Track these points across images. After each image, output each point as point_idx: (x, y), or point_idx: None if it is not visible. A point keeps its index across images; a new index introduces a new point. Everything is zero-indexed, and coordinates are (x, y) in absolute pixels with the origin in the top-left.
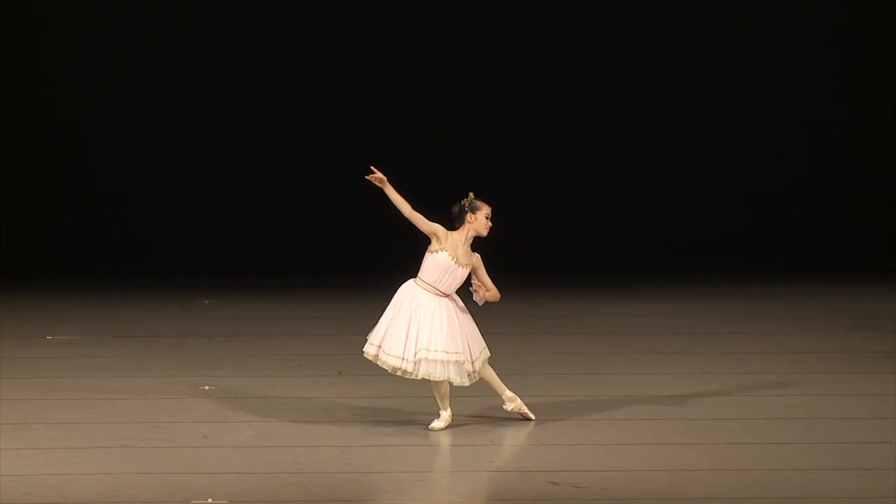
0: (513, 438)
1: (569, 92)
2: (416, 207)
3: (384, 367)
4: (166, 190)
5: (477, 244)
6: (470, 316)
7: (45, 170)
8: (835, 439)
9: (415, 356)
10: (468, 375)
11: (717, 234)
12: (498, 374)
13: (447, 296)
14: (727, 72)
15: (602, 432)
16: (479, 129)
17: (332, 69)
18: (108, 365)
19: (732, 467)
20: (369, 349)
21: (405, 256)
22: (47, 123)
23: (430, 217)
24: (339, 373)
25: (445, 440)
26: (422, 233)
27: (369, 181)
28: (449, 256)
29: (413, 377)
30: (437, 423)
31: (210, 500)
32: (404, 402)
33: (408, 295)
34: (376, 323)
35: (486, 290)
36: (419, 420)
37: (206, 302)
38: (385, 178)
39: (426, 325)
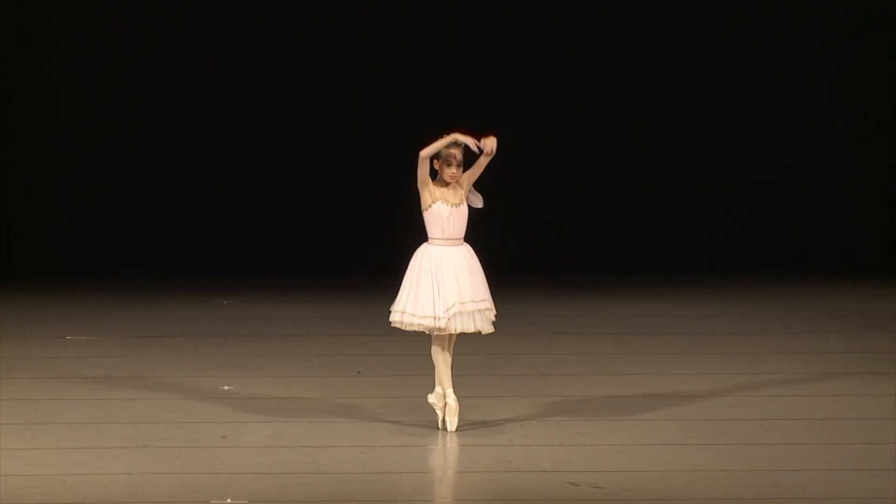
0: (531, 439)
1: (569, 92)
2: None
3: (418, 329)
4: (166, 190)
5: (479, 242)
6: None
7: (44, 170)
8: (851, 440)
9: (446, 311)
10: (490, 322)
11: (717, 235)
12: (510, 374)
13: (461, 243)
14: (727, 71)
15: (619, 433)
16: (479, 128)
17: (332, 69)
18: (126, 365)
19: (750, 468)
20: (395, 317)
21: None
22: (47, 123)
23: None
24: (359, 373)
25: (463, 441)
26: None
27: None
28: (444, 203)
29: (448, 332)
30: (433, 398)
31: (229, 501)
32: (423, 402)
33: (424, 256)
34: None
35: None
36: (437, 421)
37: (225, 302)
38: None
39: (451, 279)
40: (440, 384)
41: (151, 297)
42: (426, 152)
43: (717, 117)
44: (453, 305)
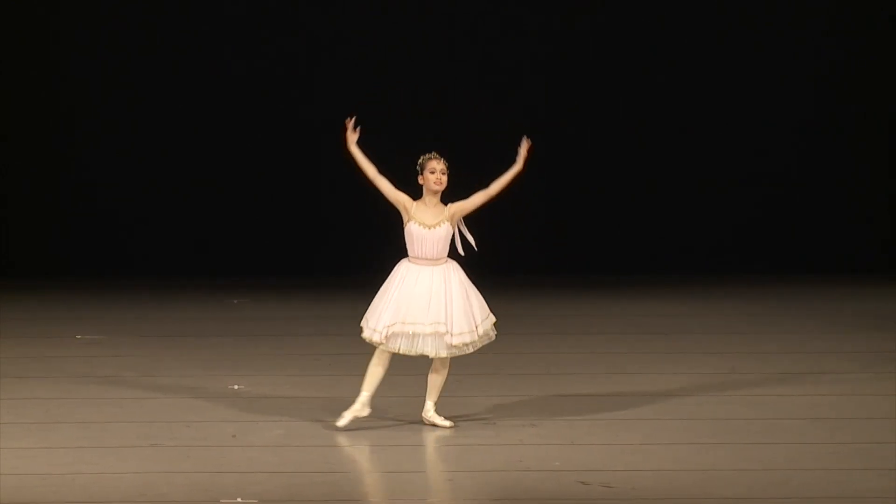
0: (541, 438)
1: (572, 91)
2: (383, 173)
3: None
4: (167, 189)
5: (485, 239)
6: (469, 291)
7: (44, 170)
8: (862, 439)
9: (386, 328)
10: (448, 347)
11: (721, 234)
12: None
13: (440, 263)
14: (728, 71)
15: (630, 432)
16: (480, 128)
17: (334, 70)
18: (136, 364)
19: (761, 467)
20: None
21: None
22: (47, 123)
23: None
24: None
25: (474, 440)
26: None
27: (345, 130)
28: (416, 224)
29: (387, 349)
30: (347, 415)
31: (239, 500)
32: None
33: (399, 270)
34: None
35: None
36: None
37: (235, 301)
38: (355, 135)
39: (407, 297)
40: (364, 388)
41: (160, 297)
42: (372, 172)
43: (718, 117)
44: (395, 324)
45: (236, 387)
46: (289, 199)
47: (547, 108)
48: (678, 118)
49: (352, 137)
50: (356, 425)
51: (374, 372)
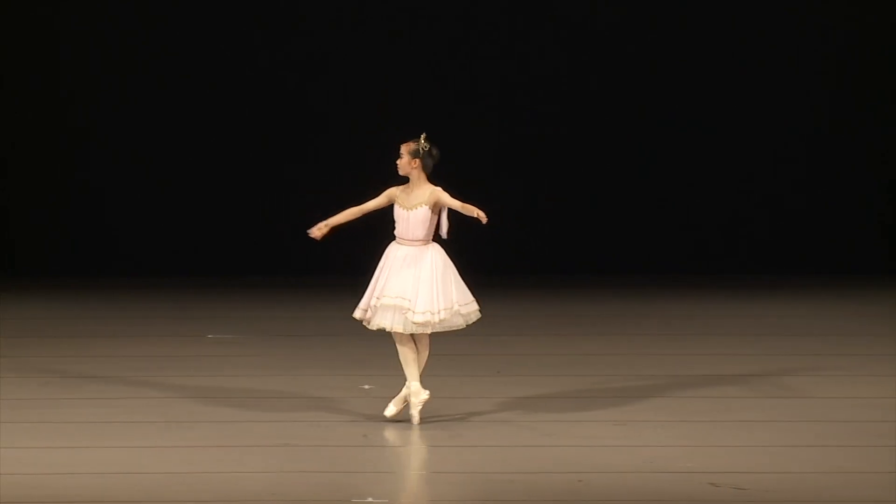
0: (671, 439)
1: (580, 96)
2: (355, 202)
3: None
4: (213, 188)
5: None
6: (446, 275)
7: (128, 167)
8: None
9: (371, 305)
10: (413, 324)
11: (736, 237)
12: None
13: (420, 244)
14: (734, 74)
15: (760, 433)
16: (487, 128)
17: (336, 71)
18: (268, 364)
19: (892, 469)
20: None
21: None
22: (53, 124)
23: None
24: (498, 372)
25: (602, 441)
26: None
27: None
28: (398, 206)
29: (373, 327)
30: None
31: (370, 500)
32: (564, 402)
33: (385, 253)
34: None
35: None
36: (585, 416)
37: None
38: (326, 225)
39: (385, 274)
40: (409, 377)
41: (290, 297)
42: (357, 212)
43: (723, 120)
44: (376, 299)
45: (367, 387)
46: (293, 201)
47: (561, 113)
48: (681, 119)
49: (320, 233)
50: (489, 428)
51: (405, 356)
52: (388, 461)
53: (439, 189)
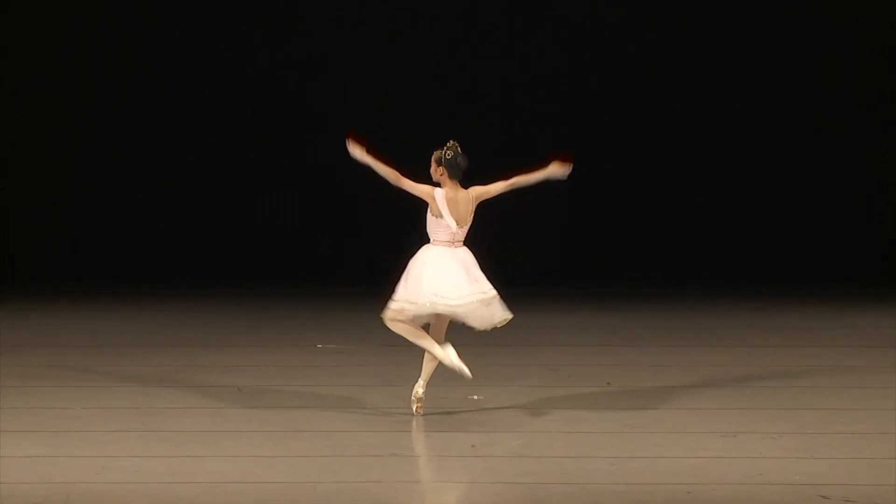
0: (781, 451)
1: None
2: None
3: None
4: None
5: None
6: (467, 264)
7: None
8: None
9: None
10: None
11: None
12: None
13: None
14: (734, 74)
15: (873, 446)
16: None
17: (336, 71)
18: (376, 373)
19: None
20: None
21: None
22: (55, 127)
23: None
24: (608, 384)
25: (713, 452)
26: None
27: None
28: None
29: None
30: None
31: None
32: (677, 413)
33: (428, 257)
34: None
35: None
36: (694, 427)
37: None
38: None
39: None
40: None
41: None
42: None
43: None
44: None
45: (475, 397)
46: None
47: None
48: (681, 119)
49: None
50: (596, 437)
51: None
52: (496, 471)
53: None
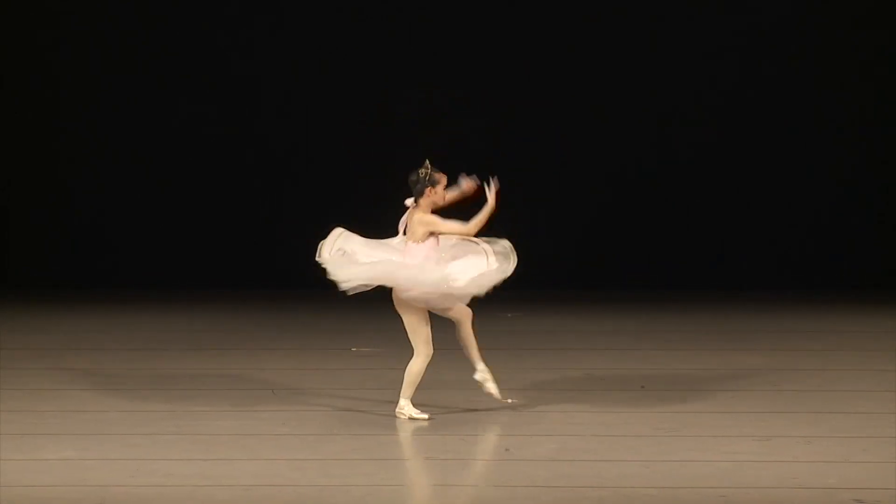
0: (815, 455)
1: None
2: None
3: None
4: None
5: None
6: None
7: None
8: None
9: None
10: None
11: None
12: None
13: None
14: (735, 74)
15: None
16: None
17: (336, 71)
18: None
19: None
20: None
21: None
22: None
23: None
24: (642, 387)
25: (745, 456)
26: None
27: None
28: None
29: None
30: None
31: None
32: (711, 417)
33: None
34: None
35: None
36: (727, 432)
37: (509, 315)
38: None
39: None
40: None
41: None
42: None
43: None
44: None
45: (510, 401)
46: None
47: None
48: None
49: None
50: (630, 441)
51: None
52: (530, 475)
53: (429, 217)
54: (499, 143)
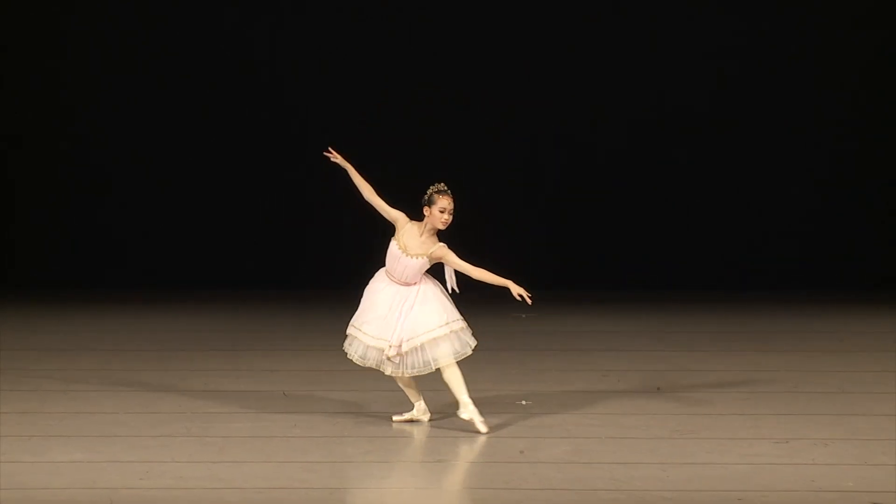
0: (834, 458)
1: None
2: (380, 194)
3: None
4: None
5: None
6: (432, 297)
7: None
8: None
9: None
10: (387, 362)
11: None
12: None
13: (409, 284)
14: (735, 75)
15: None
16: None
17: (336, 71)
18: (423, 380)
19: None
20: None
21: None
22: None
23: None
24: (658, 389)
25: (765, 459)
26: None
27: (328, 157)
28: (397, 246)
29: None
30: (400, 417)
31: None
32: (728, 419)
33: (371, 282)
34: None
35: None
36: (746, 434)
37: (524, 316)
38: (347, 162)
39: (368, 304)
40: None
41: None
42: (367, 192)
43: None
44: (351, 328)
45: (524, 402)
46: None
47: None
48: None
49: (344, 164)
50: (644, 443)
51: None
52: (545, 477)
53: (443, 247)
54: (499, 143)
